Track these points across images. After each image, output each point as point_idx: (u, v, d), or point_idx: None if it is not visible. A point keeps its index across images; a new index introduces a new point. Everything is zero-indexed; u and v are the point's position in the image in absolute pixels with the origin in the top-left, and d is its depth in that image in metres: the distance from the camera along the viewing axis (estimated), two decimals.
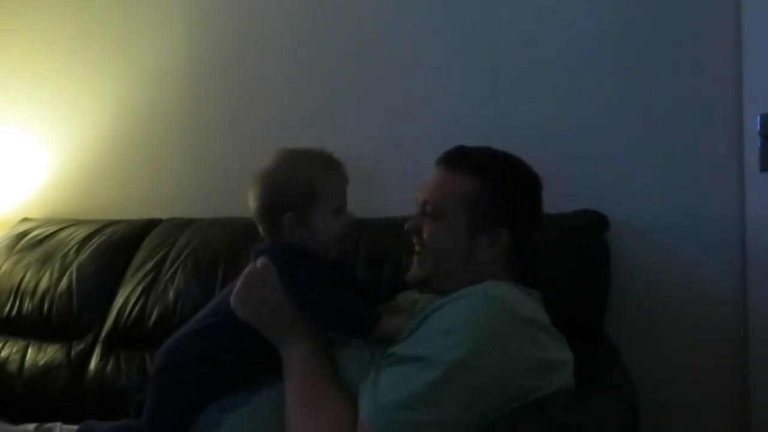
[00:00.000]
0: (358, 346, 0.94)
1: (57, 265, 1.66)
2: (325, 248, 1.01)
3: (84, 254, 1.67)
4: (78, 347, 1.56)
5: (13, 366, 1.57)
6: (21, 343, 1.61)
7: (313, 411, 0.86)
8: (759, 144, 1.31)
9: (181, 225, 1.67)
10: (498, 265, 0.98)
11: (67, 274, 1.64)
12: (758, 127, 1.31)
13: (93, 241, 1.69)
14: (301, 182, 1.00)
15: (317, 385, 0.89)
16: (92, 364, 1.53)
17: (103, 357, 1.53)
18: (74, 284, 1.62)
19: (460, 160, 1.02)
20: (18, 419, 1.37)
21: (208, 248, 1.56)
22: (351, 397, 0.85)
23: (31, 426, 1.32)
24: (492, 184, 0.98)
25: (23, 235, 1.80)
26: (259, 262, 0.98)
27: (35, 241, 1.75)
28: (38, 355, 1.57)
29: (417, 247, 1.02)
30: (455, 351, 0.81)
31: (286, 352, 0.93)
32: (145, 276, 1.58)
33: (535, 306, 0.94)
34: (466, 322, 0.84)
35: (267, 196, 1.02)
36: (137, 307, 1.54)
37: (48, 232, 1.78)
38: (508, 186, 1.00)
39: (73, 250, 1.68)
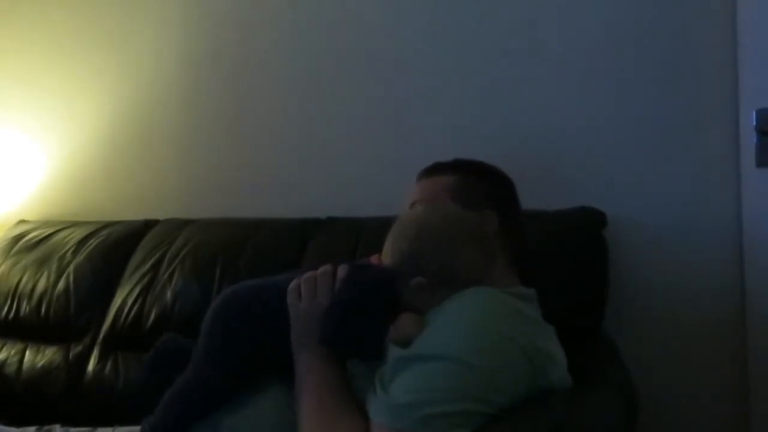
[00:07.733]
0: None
1: (54, 267, 1.66)
2: None
3: (81, 256, 1.66)
4: (76, 349, 1.55)
5: (11, 368, 1.56)
6: (19, 346, 1.60)
7: (332, 420, 0.86)
8: (755, 140, 1.31)
9: (178, 225, 1.67)
10: (496, 260, 0.98)
11: (65, 275, 1.64)
12: (754, 123, 1.30)
13: (90, 243, 1.69)
14: None
15: (336, 396, 0.88)
16: (90, 366, 1.52)
17: (102, 358, 1.52)
18: (72, 286, 1.62)
19: (437, 167, 1.13)
20: (17, 421, 1.37)
21: (206, 248, 1.56)
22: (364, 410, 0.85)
23: (31, 429, 1.32)
24: (470, 174, 1.09)
25: (20, 237, 1.79)
26: (340, 269, 0.95)
27: (32, 243, 1.75)
28: (36, 357, 1.56)
29: None
30: (459, 343, 0.83)
31: (305, 360, 0.93)
32: (143, 277, 1.57)
33: (524, 304, 0.95)
34: (465, 314, 0.86)
35: None
36: (135, 308, 1.53)
37: (45, 234, 1.77)
38: (484, 175, 1.11)
39: (70, 251, 1.68)
